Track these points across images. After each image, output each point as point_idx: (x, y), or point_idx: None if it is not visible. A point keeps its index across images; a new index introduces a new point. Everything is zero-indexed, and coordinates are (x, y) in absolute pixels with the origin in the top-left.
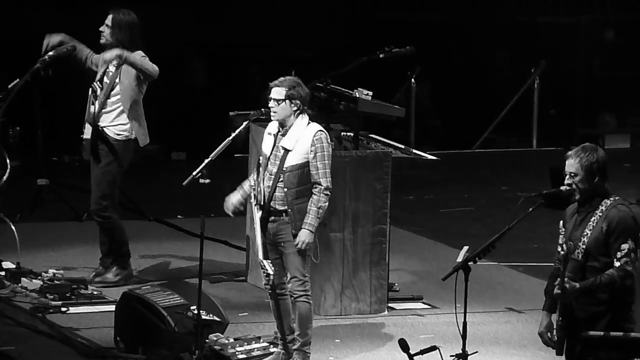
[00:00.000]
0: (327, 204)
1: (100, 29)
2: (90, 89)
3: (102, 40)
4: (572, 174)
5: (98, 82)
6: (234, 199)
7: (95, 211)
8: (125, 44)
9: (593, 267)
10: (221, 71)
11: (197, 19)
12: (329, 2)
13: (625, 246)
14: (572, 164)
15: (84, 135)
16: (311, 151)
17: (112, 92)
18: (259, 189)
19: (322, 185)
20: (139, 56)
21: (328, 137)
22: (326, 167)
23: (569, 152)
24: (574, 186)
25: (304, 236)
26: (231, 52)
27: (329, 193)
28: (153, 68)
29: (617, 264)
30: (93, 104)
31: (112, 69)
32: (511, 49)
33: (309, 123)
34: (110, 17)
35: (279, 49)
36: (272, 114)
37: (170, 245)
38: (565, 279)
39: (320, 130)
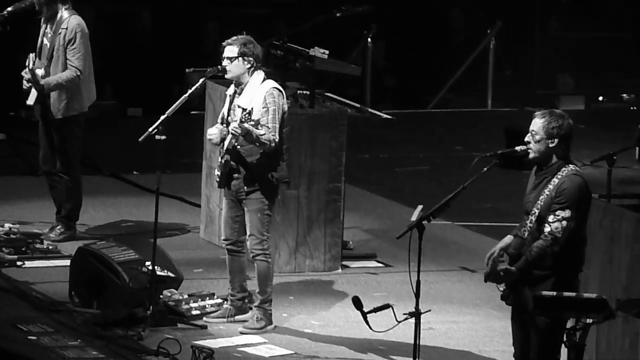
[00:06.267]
0: (268, 144)
1: None
2: (27, 60)
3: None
4: (533, 132)
5: (34, 54)
6: (215, 130)
7: (62, 170)
8: (46, 1)
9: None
10: (176, 26)
11: None
12: None
13: (560, 213)
14: (535, 123)
15: (29, 101)
16: (263, 107)
17: (53, 59)
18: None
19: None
20: (54, 80)
21: (282, 93)
22: (275, 122)
23: (537, 112)
24: (530, 145)
25: (236, 127)
26: (188, 8)
27: (273, 145)
28: (68, 79)
29: (547, 228)
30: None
31: (49, 30)
32: (467, 9)
33: (264, 80)
34: None
35: (236, 5)
36: (227, 72)
37: (126, 201)
38: (505, 267)
39: (274, 87)
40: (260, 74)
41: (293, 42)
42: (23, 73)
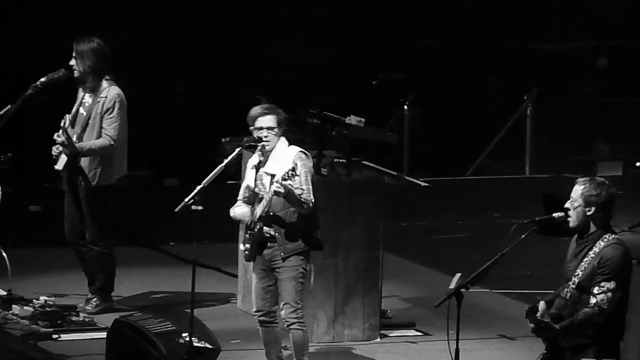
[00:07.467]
0: (307, 206)
1: (71, 62)
2: (62, 121)
3: (75, 74)
4: (572, 199)
5: (70, 117)
6: (242, 210)
7: (93, 241)
8: (92, 71)
9: (585, 300)
10: (211, 96)
11: (189, 43)
12: (321, 26)
13: (605, 284)
14: (575, 190)
15: (58, 166)
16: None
17: (88, 127)
18: (251, 218)
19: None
20: (87, 146)
21: (309, 156)
22: (309, 184)
23: (580, 179)
24: (570, 212)
25: (279, 187)
26: (221, 77)
27: (311, 205)
28: (102, 147)
29: (593, 300)
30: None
31: (88, 99)
32: (503, 76)
33: (288, 145)
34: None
35: (270, 73)
36: (265, 142)
37: (162, 272)
38: (546, 320)
39: (301, 150)
40: (284, 140)
41: (329, 111)
42: (56, 136)
